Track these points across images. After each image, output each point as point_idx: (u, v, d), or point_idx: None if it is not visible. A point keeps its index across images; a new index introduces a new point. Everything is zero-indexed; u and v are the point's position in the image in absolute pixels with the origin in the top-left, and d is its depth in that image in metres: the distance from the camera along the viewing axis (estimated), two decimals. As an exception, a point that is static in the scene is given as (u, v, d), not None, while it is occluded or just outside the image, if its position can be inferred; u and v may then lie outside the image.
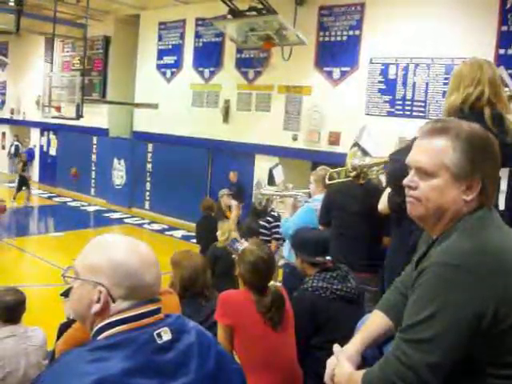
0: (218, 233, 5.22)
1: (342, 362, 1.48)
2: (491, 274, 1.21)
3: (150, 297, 1.19)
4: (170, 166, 11.88)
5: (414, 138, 2.20)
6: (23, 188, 13.02)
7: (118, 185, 13.62)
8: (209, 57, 11.30)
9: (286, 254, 4.57)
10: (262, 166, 9.99)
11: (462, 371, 1.26)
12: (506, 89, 2.53)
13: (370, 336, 1.58)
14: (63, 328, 2.84)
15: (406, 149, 2.42)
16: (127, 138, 13.67)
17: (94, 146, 14.29)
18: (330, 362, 1.51)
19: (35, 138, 16.96)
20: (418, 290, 1.29)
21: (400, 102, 8.47)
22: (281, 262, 5.27)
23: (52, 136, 16.31)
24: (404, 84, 8.42)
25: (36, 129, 16.76)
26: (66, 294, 1.23)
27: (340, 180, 3.62)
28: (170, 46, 12.22)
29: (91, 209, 13.20)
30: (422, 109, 8.20)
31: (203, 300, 2.97)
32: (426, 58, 8.11)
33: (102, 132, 13.87)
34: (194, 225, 7.66)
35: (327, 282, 2.68)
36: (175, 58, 12.09)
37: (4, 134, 18.69)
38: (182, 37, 11.92)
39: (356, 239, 3.52)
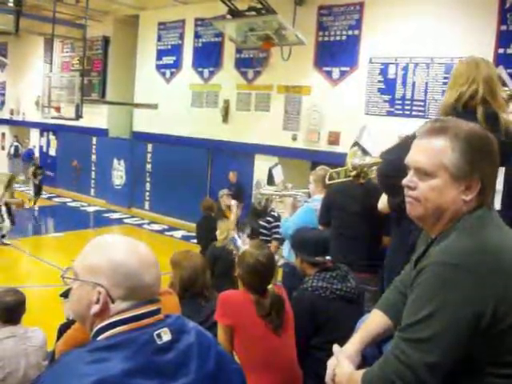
0: (217, 232, 5.22)
1: (342, 361, 1.48)
2: (490, 274, 1.22)
3: (150, 297, 1.19)
4: (170, 166, 11.88)
5: (407, 137, 2.21)
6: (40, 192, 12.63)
7: (117, 185, 13.61)
8: (208, 57, 11.30)
9: (285, 253, 4.57)
10: (261, 165, 9.98)
11: (462, 371, 1.26)
12: (506, 88, 2.53)
13: (369, 335, 1.58)
14: (63, 329, 2.84)
15: (397, 148, 2.42)
16: (127, 138, 13.67)
17: (94, 147, 14.29)
18: (331, 363, 1.51)
19: (35, 139, 16.95)
20: (417, 290, 1.29)
21: (399, 102, 8.47)
22: (280, 262, 5.28)
23: (51, 136, 16.30)
24: (403, 84, 8.42)
25: (35, 129, 16.75)
26: (65, 294, 1.24)
27: (340, 180, 3.62)
28: (170, 47, 12.21)
29: (91, 209, 13.20)
30: (422, 108, 8.20)
31: (203, 300, 2.97)
32: (425, 58, 8.11)
33: (101, 132, 13.86)
34: (193, 225, 7.66)
35: (327, 281, 2.68)
36: (174, 58, 12.09)
37: (3, 134, 18.68)
38: (181, 37, 11.92)
39: (356, 239, 3.52)
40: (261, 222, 6.33)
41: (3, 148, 18.49)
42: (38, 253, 9.09)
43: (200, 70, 11.54)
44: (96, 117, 13.45)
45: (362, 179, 3.13)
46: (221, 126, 10.99)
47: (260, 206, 5.92)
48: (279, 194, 5.01)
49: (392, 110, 8.55)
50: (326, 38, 9.37)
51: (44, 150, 16.64)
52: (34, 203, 12.63)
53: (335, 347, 1.55)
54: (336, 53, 9.19)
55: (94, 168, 14.33)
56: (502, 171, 2.01)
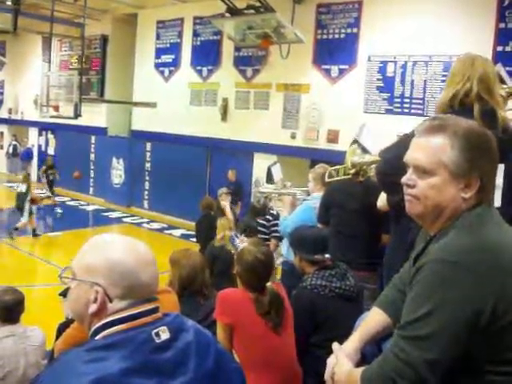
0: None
1: (341, 360, 1.48)
2: (489, 271, 1.21)
3: (148, 296, 1.19)
4: (169, 164, 11.87)
5: (405, 135, 2.21)
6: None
7: (116, 184, 13.61)
8: (207, 55, 11.29)
9: (284, 252, 4.57)
10: (260, 164, 9.99)
11: (461, 368, 1.26)
12: (505, 86, 2.53)
13: (368, 333, 1.58)
14: (62, 328, 2.84)
15: (396, 146, 2.42)
16: (126, 136, 13.66)
17: (93, 146, 14.29)
18: (330, 361, 1.51)
19: (33, 138, 16.94)
20: (416, 287, 1.29)
21: (398, 100, 8.48)
22: (279, 260, 5.27)
23: (50, 135, 16.30)
24: (402, 82, 8.43)
25: (34, 128, 16.74)
26: (64, 293, 1.23)
27: (339, 178, 3.62)
28: (168, 45, 12.20)
29: (90, 208, 13.19)
30: (421, 106, 8.21)
31: (202, 299, 2.97)
32: (424, 56, 8.11)
33: (100, 131, 13.86)
34: (193, 223, 7.66)
35: (326, 280, 2.68)
36: (173, 56, 12.08)
37: (2, 133, 18.67)
38: (179, 35, 11.91)
39: (355, 237, 3.51)
40: (260, 221, 6.33)
41: (2, 147, 18.49)
42: (37, 252, 9.08)
43: (199, 68, 11.53)
44: (95, 116, 13.45)
45: (361, 177, 3.13)
46: (220, 125, 10.98)
47: (259, 204, 5.92)
48: (278, 192, 5.00)
49: (391, 108, 8.55)
50: (325, 36, 9.36)
51: (43, 149, 16.63)
52: (55, 204, 12.53)
53: (335, 345, 1.55)
54: (335, 51, 9.19)
55: (92, 167, 14.33)
56: (501, 168, 2.01)
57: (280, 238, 5.58)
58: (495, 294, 1.20)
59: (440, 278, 1.24)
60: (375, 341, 1.61)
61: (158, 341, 1.13)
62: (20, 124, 17.42)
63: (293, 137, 9.80)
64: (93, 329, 1.17)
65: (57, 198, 13.86)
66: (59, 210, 12.09)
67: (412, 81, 8.31)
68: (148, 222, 11.75)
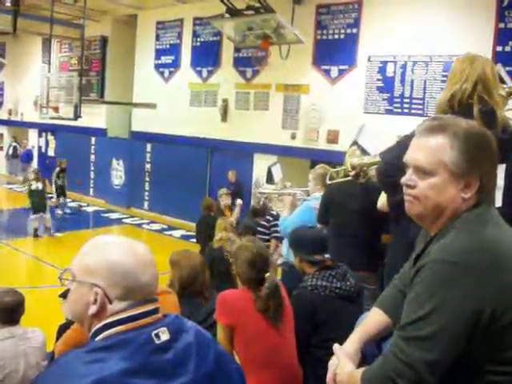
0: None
1: (342, 361, 1.48)
2: (489, 271, 1.21)
3: (148, 297, 1.19)
4: (169, 165, 11.88)
5: (405, 136, 2.21)
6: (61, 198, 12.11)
7: (116, 185, 13.61)
8: (207, 56, 11.29)
9: (284, 252, 4.57)
10: (260, 164, 9.98)
11: (461, 368, 1.26)
12: (505, 86, 2.52)
13: (368, 333, 1.58)
14: (62, 329, 2.84)
15: (396, 147, 2.42)
16: (126, 138, 13.66)
17: (93, 147, 14.29)
18: (332, 363, 1.51)
19: (33, 139, 16.94)
20: (416, 288, 1.29)
21: (398, 100, 8.47)
22: (280, 261, 5.28)
23: (50, 137, 16.29)
24: (402, 82, 8.43)
25: (34, 130, 16.75)
26: (64, 295, 1.23)
27: (340, 180, 3.61)
28: (168, 46, 12.21)
29: (90, 209, 13.19)
30: (420, 107, 8.21)
31: (202, 300, 2.97)
32: (423, 56, 8.11)
33: (100, 132, 13.86)
34: (193, 224, 7.66)
35: (326, 280, 2.68)
36: (173, 57, 12.09)
37: (2, 135, 18.67)
38: (179, 36, 11.92)
39: (355, 237, 3.51)
40: (260, 222, 6.33)
41: (1, 149, 18.49)
42: (37, 253, 9.08)
43: (198, 69, 11.53)
44: (94, 117, 13.45)
45: (362, 178, 3.13)
46: (220, 125, 10.99)
47: (259, 204, 5.93)
48: (278, 193, 5.01)
49: (391, 108, 8.55)
50: (325, 37, 9.37)
51: (42, 150, 16.64)
52: (56, 205, 12.18)
53: (335, 346, 1.55)
54: (334, 51, 9.18)
55: (92, 168, 14.33)
56: (502, 169, 2.00)
57: (280, 239, 5.59)
58: (495, 293, 1.20)
59: (440, 278, 1.24)
60: (375, 341, 1.60)
61: (157, 342, 1.13)
62: (20, 125, 17.42)
63: (293, 137, 9.81)
64: (93, 330, 1.16)
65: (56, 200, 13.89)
66: (67, 211, 12.13)
67: (412, 81, 8.30)
68: (148, 223, 11.75)
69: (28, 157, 16.97)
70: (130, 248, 1.21)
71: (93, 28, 12.99)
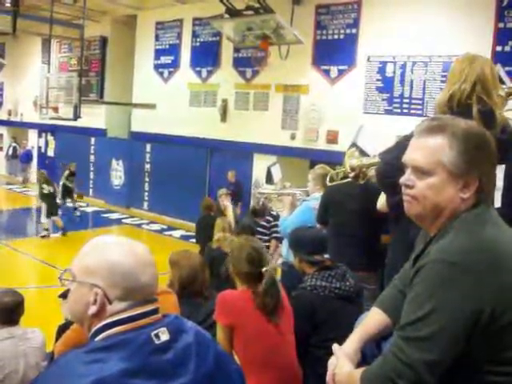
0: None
1: (341, 361, 1.48)
2: (489, 272, 1.22)
3: (148, 297, 1.19)
4: (169, 165, 11.88)
5: (405, 136, 2.21)
6: (68, 200, 11.98)
7: (116, 185, 13.61)
8: (206, 56, 11.30)
9: (284, 252, 4.57)
10: (260, 164, 9.99)
11: (461, 368, 1.26)
12: (504, 86, 2.52)
13: (368, 333, 1.58)
14: (62, 329, 2.84)
15: (396, 147, 2.42)
16: (125, 138, 13.66)
17: (92, 147, 14.29)
18: (331, 363, 1.51)
19: (33, 140, 16.94)
20: (416, 288, 1.29)
21: (397, 100, 8.48)
22: (279, 261, 5.28)
23: (50, 137, 16.29)
24: (401, 82, 8.43)
25: (34, 130, 16.75)
26: (64, 295, 1.23)
27: (340, 182, 3.62)
28: (167, 46, 12.21)
29: (90, 209, 13.18)
30: (420, 107, 8.21)
31: (202, 300, 2.97)
32: (423, 56, 8.12)
33: (99, 133, 13.86)
34: (192, 224, 7.66)
35: (326, 280, 2.68)
36: (172, 57, 12.09)
37: (1, 135, 18.67)
38: (179, 36, 11.92)
39: (354, 237, 3.51)
40: (261, 222, 6.34)
41: (1, 149, 18.48)
42: (37, 253, 9.08)
43: (198, 69, 11.53)
44: (94, 117, 13.45)
45: (362, 180, 3.13)
46: (219, 126, 10.99)
47: (258, 205, 5.93)
48: (278, 193, 5.01)
49: (390, 108, 8.56)
50: (324, 37, 9.37)
51: (42, 150, 16.63)
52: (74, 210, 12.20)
53: (335, 346, 1.55)
54: (334, 51, 9.19)
55: (92, 168, 14.33)
56: (501, 169, 2.00)
57: (280, 239, 5.59)
58: (494, 294, 1.21)
59: (440, 278, 1.24)
60: (375, 341, 1.60)
61: (157, 342, 1.13)
62: (19, 126, 17.42)
63: (292, 137, 9.81)
64: (92, 330, 1.16)
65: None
66: (77, 213, 12.08)
67: (411, 81, 8.31)
68: (148, 223, 11.75)
69: (27, 157, 16.97)
70: (130, 248, 1.21)
71: (92, 28, 12.99)
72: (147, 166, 12.77)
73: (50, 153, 16.22)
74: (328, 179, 3.75)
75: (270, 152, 9.87)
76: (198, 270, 3.03)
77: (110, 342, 1.11)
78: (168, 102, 11.91)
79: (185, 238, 10.25)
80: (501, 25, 7.39)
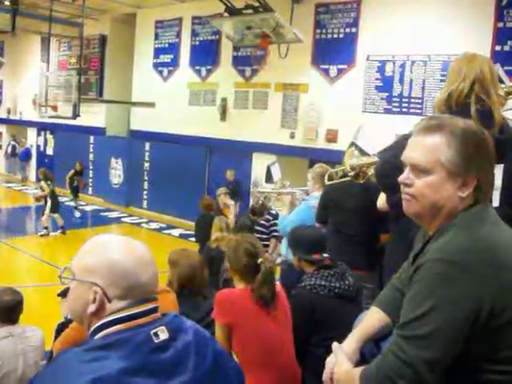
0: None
1: (340, 359, 1.48)
2: (487, 271, 1.22)
3: (147, 296, 1.19)
4: (168, 164, 11.87)
5: (403, 135, 2.21)
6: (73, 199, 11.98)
7: (115, 184, 13.60)
8: (205, 55, 11.29)
9: (283, 251, 4.57)
10: (259, 163, 9.99)
11: (460, 367, 1.27)
12: (503, 85, 2.52)
13: (367, 332, 1.59)
14: (60, 328, 2.84)
15: (394, 146, 2.42)
16: (124, 136, 13.65)
17: (91, 145, 14.27)
18: (329, 361, 1.51)
19: (32, 138, 16.92)
20: (415, 287, 1.29)
21: (397, 99, 8.48)
22: (279, 260, 5.28)
23: (49, 135, 16.28)
24: (401, 81, 8.43)
25: (33, 128, 16.72)
26: (63, 294, 1.24)
27: (339, 181, 3.62)
28: (167, 45, 12.20)
29: (89, 208, 13.18)
30: (419, 106, 8.21)
31: (201, 298, 2.97)
32: (422, 55, 8.12)
33: (99, 131, 13.85)
34: (191, 223, 7.66)
35: (325, 279, 2.68)
36: (172, 56, 12.08)
37: (1, 133, 18.65)
38: (178, 35, 11.91)
39: (353, 236, 3.52)
40: (260, 221, 6.34)
41: (0, 147, 18.46)
42: (36, 252, 9.07)
43: (197, 68, 11.53)
44: (93, 115, 13.43)
45: (362, 179, 3.14)
46: (218, 124, 10.98)
47: (258, 204, 5.93)
48: (277, 192, 5.01)
49: (389, 107, 8.56)
50: (324, 36, 9.37)
51: (41, 149, 16.62)
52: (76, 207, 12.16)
53: (334, 344, 1.55)
54: (333, 50, 9.19)
55: (91, 167, 14.31)
56: (500, 168, 2.01)
57: (280, 238, 5.59)
58: (493, 292, 1.21)
59: (438, 277, 1.24)
60: (374, 340, 1.61)
61: (156, 341, 1.13)
62: (19, 124, 17.40)
63: (292, 136, 9.81)
64: (92, 329, 1.17)
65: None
66: (77, 214, 11.93)
67: (411, 80, 8.31)
68: (147, 222, 11.74)
69: (26, 155, 16.95)
70: (130, 247, 1.21)
71: (92, 27, 12.97)
72: (146, 165, 12.76)
73: (49, 151, 16.21)
74: (326, 177, 3.75)
75: (270, 151, 9.87)
76: (197, 268, 3.04)
77: (109, 341, 1.11)
78: (167, 101, 11.91)
79: (184, 236, 10.25)
80: (500, 24, 7.39)
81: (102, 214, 12.54)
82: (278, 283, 2.66)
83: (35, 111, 14.76)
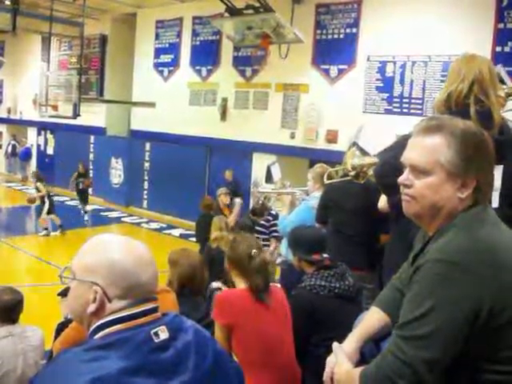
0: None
1: (340, 359, 1.48)
2: (487, 271, 1.22)
3: (147, 296, 1.19)
4: (168, 164, 11.87)
5: (403, 136, 2.21)
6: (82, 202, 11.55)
7: (115, 184, 13.60)
8: (206, 55, 11.29)
9: (283, 251, 4.57)
10: (259, 164, 9.99)
11: (459, 367, 1.27)
12: (504, 86, 2.52)
13: (367, 332, 1.59)
14: (60, 328, 2.84)
15: (394, 147, 2.42)
16: (125, 136, 13.65)
17: (92, 145, 14.28)
18: (329, 361, 1.51)
19: (32, 137, 16.92)
20: (415, 287, 1.29)
21: (397, 100, 8.48)
22: (279, 260, 5.28)
23: (49, 135, 16.28)
24: (401, 81, 8.43)
25: (33, 128, 16.72)
26: (63, 293, 1.24)
27: (339, 180, 3.62)
28: (167, 45, 12.20)
29: (89, 208, 13.15)
30: (420, 106, 8.21)
31: (201, 298, 2.97)
32: (423, 56, 8.12)
33: (99, 131, 13.85)
34: (192, 223, 7.66)
35: (325, 280, 2.68)
36: (172, 56, 12.08)
37: (1, 133, 18.65)
38: (179, 35, 11.91)
39: (353, 236, 3.52)
40: (260, 221, 6.34)
41: (0, 147, 18.46)
42: (36, 251, 9.08)
43: (198, 68, 11.53)
44: (94, 115, 13.43)
45: (362, 179, 3.14)
46: (219, 125, 10.99)
47: (258, 204, 5.93)
48: (277, 192, 5.01)
49: (390, 108, 8.56)
50: (324, 36, 9.37)
51: (42, 148, 16.61)
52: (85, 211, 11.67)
53: (334, 344, 1.55)
54: (334, 51, 9.19)
55: (91, 166, 14.30)
56: (499, 169, 2.01)
57: (280, 238, 5.59)
58: (493, 293, 1.21)
59: (438, 277, 1.24)
60: (374, 340, 1.61)
61: (156, 340, 1.13)
62: (19, 124, 17.40)
63: (292, 137, 9.81)
64: (92, 328, 1.17)
65: (55, 198, 13.83)
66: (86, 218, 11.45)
67: (411, 81, 8.31)
68: (147, 222, 11.74)
69: (26, 155, 16.95)
70: (130, 247, 1.21)
71: (92, 26, 12.97)
72: (147, 165, 12.76)
73: (50, 151, 16.20)
74: (326, 177, 3.74)
75: (270, 151, 9.87)
76: (197, 268, 3.04)
77: (109, 340, 1.11)
78: (168, 101, 11.91)
79: (184, 236, 10.24)
80: (501, 25, 7.39)
81: (102, 213, 12.53)
82: (277, 284, 2.66)
83: (35, 111, 14.75)
